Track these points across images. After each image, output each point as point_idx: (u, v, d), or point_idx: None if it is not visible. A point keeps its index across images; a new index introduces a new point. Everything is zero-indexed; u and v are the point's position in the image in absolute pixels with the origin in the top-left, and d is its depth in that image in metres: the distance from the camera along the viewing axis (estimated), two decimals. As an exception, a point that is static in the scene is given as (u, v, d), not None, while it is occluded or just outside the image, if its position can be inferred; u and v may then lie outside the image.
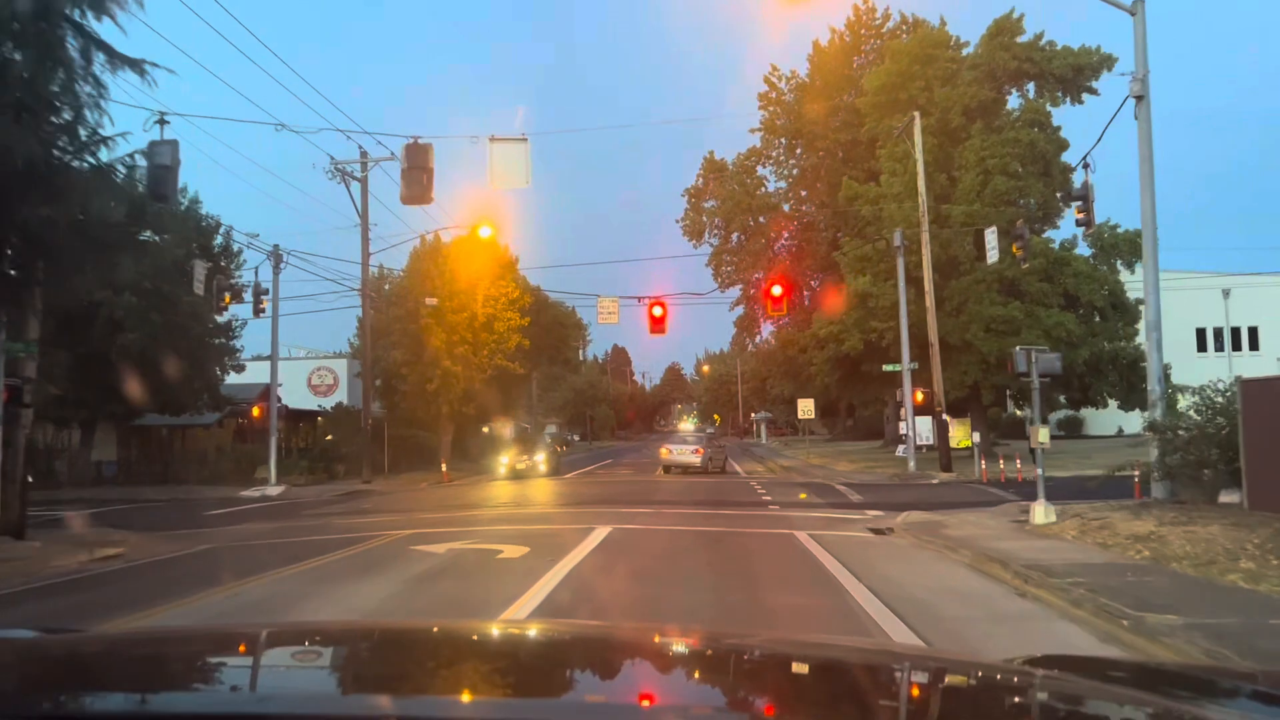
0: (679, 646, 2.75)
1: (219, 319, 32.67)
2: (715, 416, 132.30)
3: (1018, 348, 15.51)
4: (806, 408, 44.72)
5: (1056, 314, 33.97)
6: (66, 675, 2.09)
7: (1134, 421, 55.22)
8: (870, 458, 41.05)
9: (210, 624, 7.91)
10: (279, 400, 41.69)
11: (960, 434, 35.62)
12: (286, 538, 16.53)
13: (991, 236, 25.20)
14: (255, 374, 49.14)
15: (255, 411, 33.51)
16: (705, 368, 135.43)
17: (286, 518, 21.03)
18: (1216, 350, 55.06)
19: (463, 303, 37.14)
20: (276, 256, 32.51)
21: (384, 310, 38.55)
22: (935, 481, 28.76)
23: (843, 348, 34.36)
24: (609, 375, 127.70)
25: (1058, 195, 37.05)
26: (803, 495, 18.18)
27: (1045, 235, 36.99)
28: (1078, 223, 19.65)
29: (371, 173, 34.78)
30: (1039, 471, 15.51)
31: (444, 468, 34.71)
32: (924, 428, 32.77)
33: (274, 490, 31.05)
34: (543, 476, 33.77)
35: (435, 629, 3.18)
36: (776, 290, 30.67)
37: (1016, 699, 2.18)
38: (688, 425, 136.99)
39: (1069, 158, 37.44)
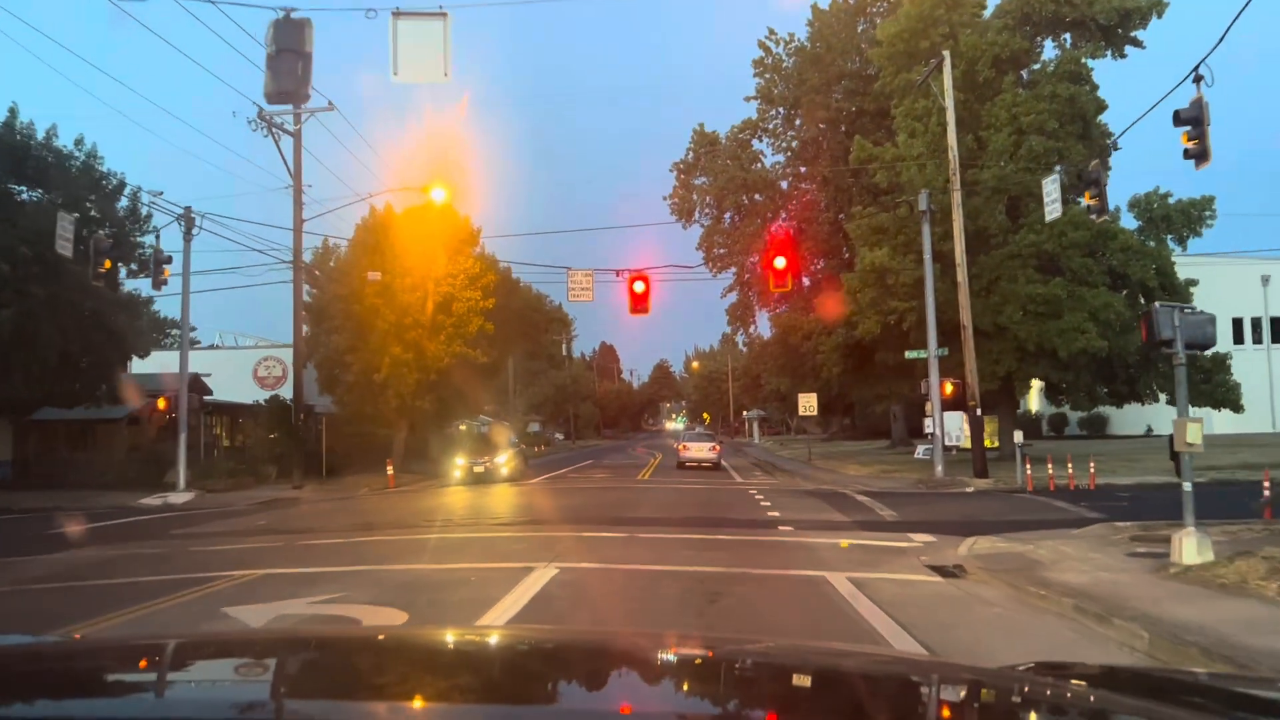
0: (667, 654, 2.64)
1: (116, 293, 27.50)
2: (705, 415, 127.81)
3: (1157, 304, 10.65)
4: (808, 404, 39.93)
5: (1104, 294, 29.14)
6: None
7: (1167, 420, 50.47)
8: (882, 460, 36.15)
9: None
10: (208, 392, 36.73)
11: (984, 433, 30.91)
12: (95, 578, 11.54)
13: (1052, 186, 20.24)
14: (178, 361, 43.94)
15: (161, 404, 28.40)
16: (695, 364, 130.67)
17: (149, 538, 16.00)
18: (1255, 343, 50.37)
19: (415, 280, 32.08)
20: (188, 220, 27.45)
21: (326, 288, 33.47)
22: (970, 490, 23.95)
23: (855, 332, 29.41)
24: (595, 372, 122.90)
25: (1088, 160, 32.27)
26: (844, 544, 13.28)
27: (1084, 205, 32.17)
28: (1186, 154, 14.74)
29: (307, 126, 29.75)
30: (1186, 486, 10.59)
31: (389, 471, 29.67)
32: (948, 426, 27.89)
33: (180, 498, 26.03)
34: (504, 481, 28.78)
35: (404, 638, 3.14)
36: (780, 262, 25.79)
37: (1020, 707, 2.09)
38: (677, 424, 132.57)
39: (1109, 121, 32.78)
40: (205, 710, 1.85)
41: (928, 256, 26.45)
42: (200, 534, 16.36)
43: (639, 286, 26.46)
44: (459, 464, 29.40)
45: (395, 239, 32.19)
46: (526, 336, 50.86)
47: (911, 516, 17.14)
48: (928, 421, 26.47)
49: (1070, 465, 23.78)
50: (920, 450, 30.18)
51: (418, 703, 1.90)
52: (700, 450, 36.06)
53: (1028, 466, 23.69)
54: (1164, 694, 2.23)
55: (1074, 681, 2.30)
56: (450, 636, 3.24)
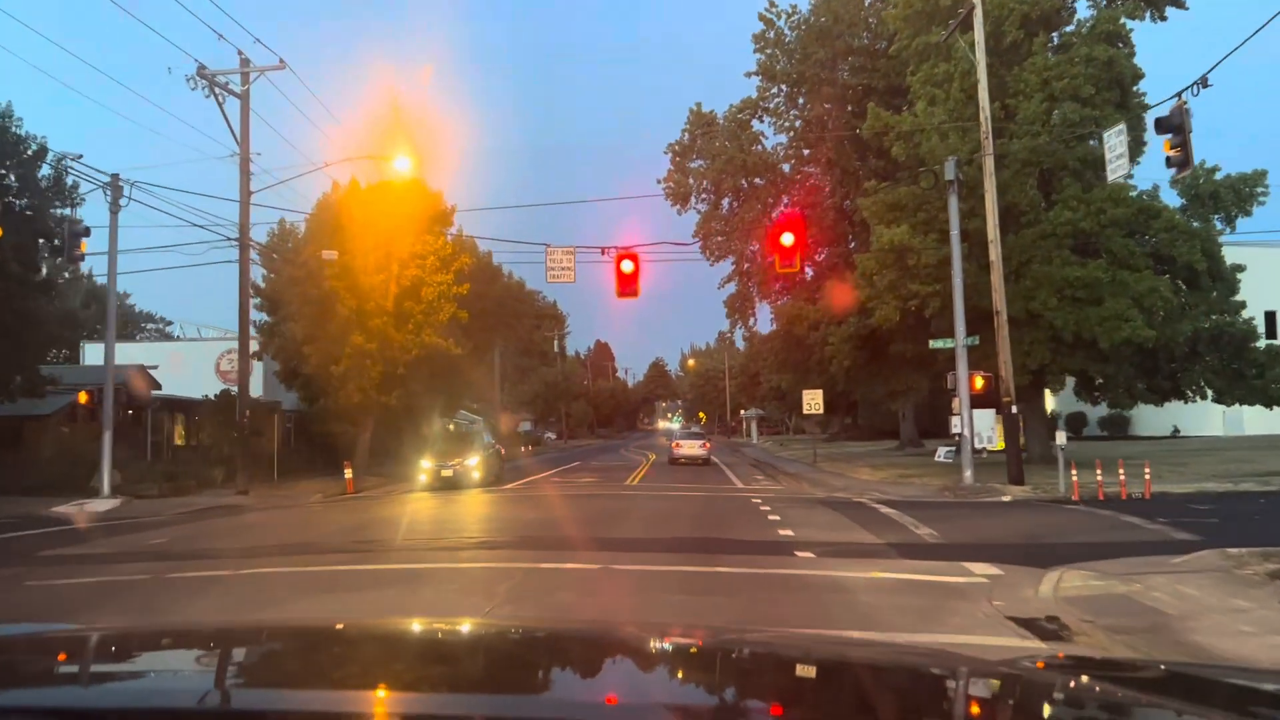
0: (660, 643, 2.50)
1: (37, 272, 24.24)
2: (700, 415, 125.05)
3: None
4: (814, 400, 36.71)
5: (1150, 277, 25.95)
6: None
7: (1203, 419, 47.17)
8: (894, 463, 32.98)
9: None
10: (156, 386, 33.44)
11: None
12: None
13: (1117, 139, 16.91)
14: (133, 353, 40.70)
15: (82, 397, 25.10)
16: (691, 362, 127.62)
17: (11, 560, 12.73)
18: (1288, 337, 47.11)
19: (379, 261, 28.81)
20: (115, 189, 24.17)
21: (283, 271, 30.18)
22: (1007, 499, 20.78)
23: (871, 320, 26.15)
24: (589, 370, 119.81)
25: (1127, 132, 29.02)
26: (876, 574, 10.08)
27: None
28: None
29: (255, 87, 26.48)
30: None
31: (348, 474, 26.41)
32: (978, 425, 24.59)
33: (102, 505, 22.82)
34: (475, 487, 25.51)
35: (388, 629, 3.07)
36: (787, 238, 22.64)
37: (1029, 698, 2.00)
38: (672, 424, 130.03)
39: (1145, 91, 29.69)
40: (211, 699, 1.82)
41: (955, 232, 23.23)
42: (72, 556, 13.09)
43: (627, 266, 23.30)
44: (425, 467, 26.16)
45: (358, 216, 28.92)
46: (510, 328, 47.58)
47: (956, 537, 13.92)
48: (954, 420, 23.27)
49: (1121, 470, 20.60)
50: (942, 452, 26.97)
51: (420, 693, 1.86)
52: (692, 448, 39.72)
53: (1074, 471, 20.51)
54: (1200, 694, 2.08)
55: (1100, 676, 2.18)
56: (447, 628, 3.17)
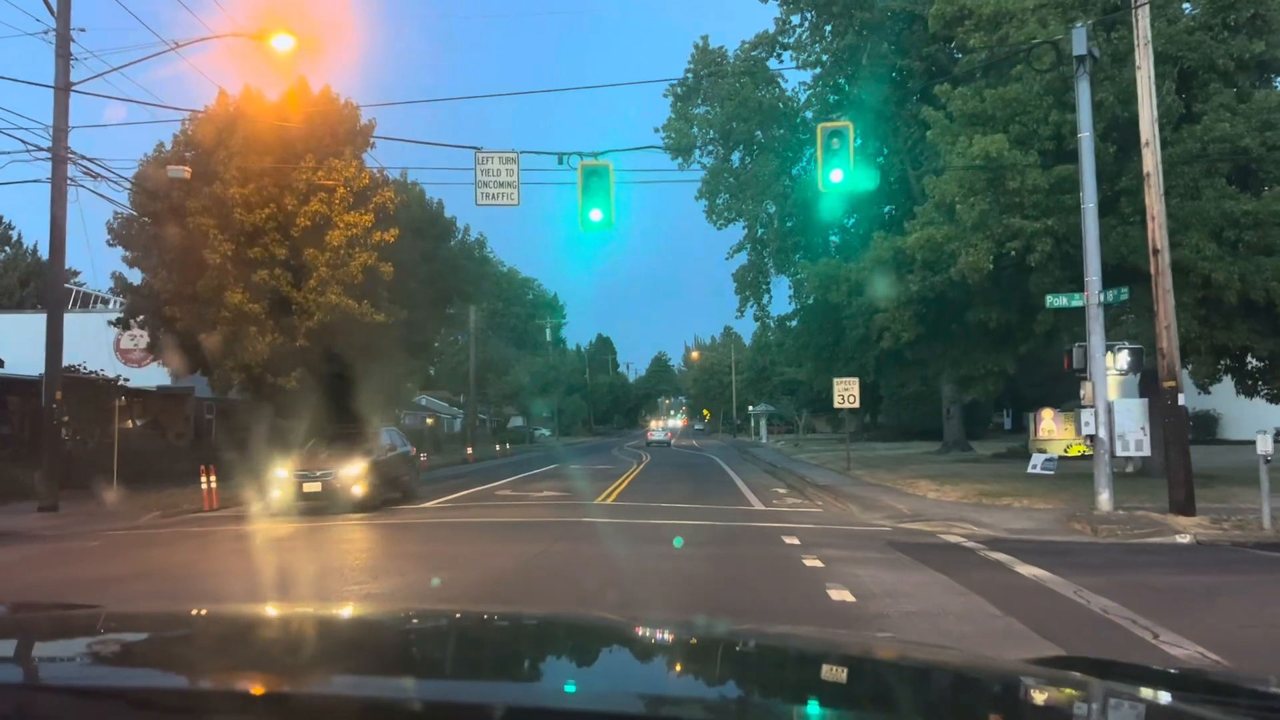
0: (652, 634, 2.51)
1: None
2: (705, 412, 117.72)
3: None
4: (847, 391, 29.09)
5: (1345, 215, 18.15)
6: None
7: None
8: (956, 473, 25.04)
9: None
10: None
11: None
12: None
13: None
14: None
15: None
16: (695, 354, 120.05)
17: None
18: None
19: (268, 192, 21.08)
20: None
21: (145, 205, 22.41)
22: (1185, 540, 13.09)
23: (950, 273, 18.24)
24: (586, 362, 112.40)
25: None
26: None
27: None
28: None
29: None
30: None
31: (209, 484, 18.66)
32: (1122, 424, 16.68)
33: None
34: (350, 510, 17.34)
35: (388, 615, 3.12)
36: (838, 138, 15.03)
37: (1031, 699, 1.94)
38: (666, 423, 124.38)
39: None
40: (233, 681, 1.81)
41: (1086, 134, 15.42)
42: None
43: (595, 181, 15.69)
44: (280, 478, 17.91)
45: (240, 129, 21.21)
46: (472, 300, 39.75)
47: (1267, 666, 6.12)
48: (1084, 414, 15.42)
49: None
50: (1038, 461, 19.14)
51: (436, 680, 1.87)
52: (660, 435, 63.85)
53: (1295, 498, 12.76)
54: (1184, 691, 2.08)
55: (1087, 676, 2.08)
56: (438, 616, 3.12)
